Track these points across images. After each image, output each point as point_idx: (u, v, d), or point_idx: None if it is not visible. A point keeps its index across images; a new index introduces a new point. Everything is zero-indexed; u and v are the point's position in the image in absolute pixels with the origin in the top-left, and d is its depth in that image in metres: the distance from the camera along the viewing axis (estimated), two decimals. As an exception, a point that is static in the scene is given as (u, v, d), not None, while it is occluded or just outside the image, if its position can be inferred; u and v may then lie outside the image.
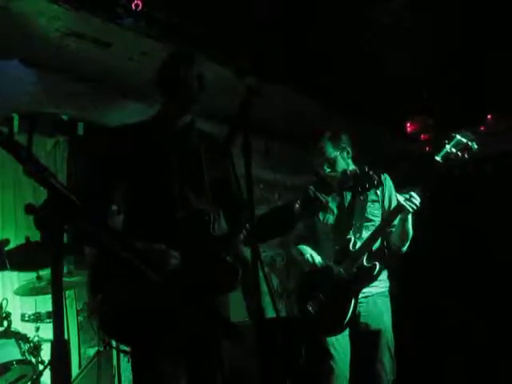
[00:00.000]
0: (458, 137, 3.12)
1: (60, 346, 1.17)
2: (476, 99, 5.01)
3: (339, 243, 3.26)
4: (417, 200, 3.07)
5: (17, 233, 4.43)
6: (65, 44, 4.01)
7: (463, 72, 4.74)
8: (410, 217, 3.18)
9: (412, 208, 3.08)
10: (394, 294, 3.36)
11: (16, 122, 4.26)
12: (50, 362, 3.60)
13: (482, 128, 5.72)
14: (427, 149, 5.45)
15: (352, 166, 3.34)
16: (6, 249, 3.72)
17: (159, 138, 2.53)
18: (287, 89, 4.67)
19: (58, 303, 1.14)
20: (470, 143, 3.09)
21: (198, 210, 2.46)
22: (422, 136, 5.65)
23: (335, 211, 3.35)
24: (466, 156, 3.11)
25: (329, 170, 3.30)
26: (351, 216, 3.29)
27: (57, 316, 1.15)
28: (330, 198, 3.25)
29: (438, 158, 3.10)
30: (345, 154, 3.32)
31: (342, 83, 4.70)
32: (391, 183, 3.39)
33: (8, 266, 3.67)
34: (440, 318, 5.31)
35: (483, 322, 5.09)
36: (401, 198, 3.13)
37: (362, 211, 3.28)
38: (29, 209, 1.22)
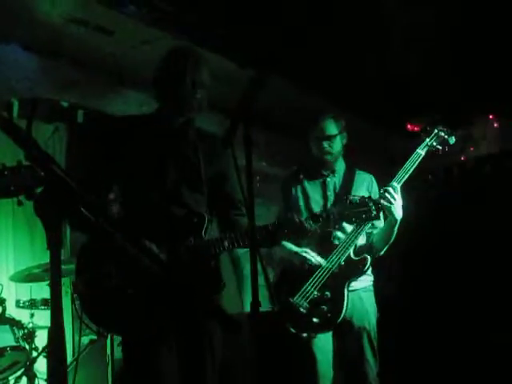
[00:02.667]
0: (436, 130, 3.26)
1: (57, 332, 1.16)
2: (478, 98, 4.99)
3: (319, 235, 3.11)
4: (391, 193, 3.01)
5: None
6: (67, 30, 3.97)
7: (467, 69, 4.72)
8: (398, 222, 3.09)
9: (389, 202, 3.00)
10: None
11: (16, 108, 4.23)
12: (47, 348, 3.59)
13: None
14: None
15: (341, 158, 3.35)
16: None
17: (156, 134, 2.54)
18: (287, 81, 4.64)
19: (55, 290, 1.13)
20: (447, 137, 3.23)
21: (195, 212, 2.46)
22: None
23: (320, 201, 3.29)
24: (446, 149, 3.26)
25: (327, 146, 3.27)
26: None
27: (54, 303, 1.14)
28: (311, 192, 3.30)
29: (419, 151, 3.20)
30: (343, 137, 3.33)
31: (343, 78, 4.67)
32: (377, 187, 3.33)
33: None
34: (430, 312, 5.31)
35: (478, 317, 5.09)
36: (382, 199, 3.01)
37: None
38: (29, 195, 1.21)
